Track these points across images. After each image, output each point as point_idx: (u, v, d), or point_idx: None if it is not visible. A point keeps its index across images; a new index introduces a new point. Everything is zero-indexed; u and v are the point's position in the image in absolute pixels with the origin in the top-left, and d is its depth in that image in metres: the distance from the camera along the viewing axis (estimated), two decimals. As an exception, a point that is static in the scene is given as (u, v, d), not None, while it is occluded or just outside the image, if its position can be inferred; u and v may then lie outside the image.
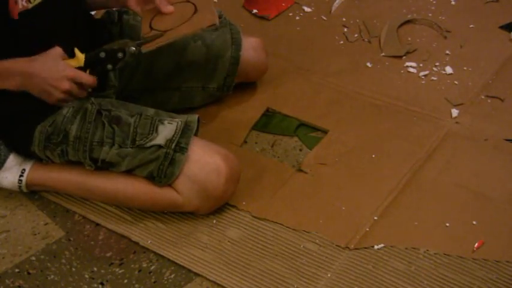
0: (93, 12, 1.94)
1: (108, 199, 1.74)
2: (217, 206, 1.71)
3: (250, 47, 1.98)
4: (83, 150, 1.65)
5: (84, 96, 1.67)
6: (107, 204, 1.76)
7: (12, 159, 1.75)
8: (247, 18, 2.40)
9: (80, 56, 1.64)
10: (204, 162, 1.63)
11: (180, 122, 1.64)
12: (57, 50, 1.61)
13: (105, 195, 1.73)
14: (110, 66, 1.67)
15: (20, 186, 1.76)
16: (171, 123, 1.64)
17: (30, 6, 1.57)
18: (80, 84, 1.63)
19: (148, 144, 1.62)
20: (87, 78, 1.64)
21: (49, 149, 1.68)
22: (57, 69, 1.60)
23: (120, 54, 1.65)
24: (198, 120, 1.68)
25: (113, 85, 1.82)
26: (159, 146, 1.62)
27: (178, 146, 1.62)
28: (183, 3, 1.71)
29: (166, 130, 1.63)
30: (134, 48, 1.65)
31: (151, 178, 1.66)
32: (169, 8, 1.68)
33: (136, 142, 1.62)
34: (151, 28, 1.68)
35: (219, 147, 1.68)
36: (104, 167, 1.67)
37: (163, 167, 1.62)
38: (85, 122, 1.64)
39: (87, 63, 1.65)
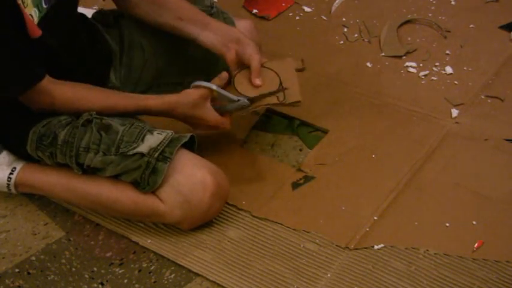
0: (88, 14, 1.92)
1: (92, 202, 1.68)
2: (201, 222, 1.67)
3: (245, 31, 1.99)
4: (69, 155, 1.63)
5: None
6: (92, 211, 1.74)
7: (4, 156, 1.74)
8: (247, 19, 2.40)
9: (215, 92, 1.71)
10: (191, 174, 1.60)
11: (170, 133, 1.62)
12: (202, 93, 1.69)
13: (90, 198, 1.67)
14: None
15: (8, 185, 1.74)
16: (160, 134, 1.61)
17: (36, 20, 1.56)
18: None
19: (131, 152, 1.59)
20: (228, 126, 1.74)
21: (40, 150, 1.66)
22: (211, 119, 1.70)
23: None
24: (194, 138, 1.66)
25: (113, 86, 1.82)
26: (142, 155, 1.58)
27: (162, 155, 1.58)
28: (265, 70, 1.77)
29: (153, 139, 1.60)
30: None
31: (136, 184, 1.63)
32: (258, 82, 1.73)
33: (120, 150, 1.59)
34: (235, 89, 1.75)
35: (209, 163, 1.66)
36: (90, 171, 1.64)
37: (145, 176, 1.59)
38: (74, 128, 1.63)
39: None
